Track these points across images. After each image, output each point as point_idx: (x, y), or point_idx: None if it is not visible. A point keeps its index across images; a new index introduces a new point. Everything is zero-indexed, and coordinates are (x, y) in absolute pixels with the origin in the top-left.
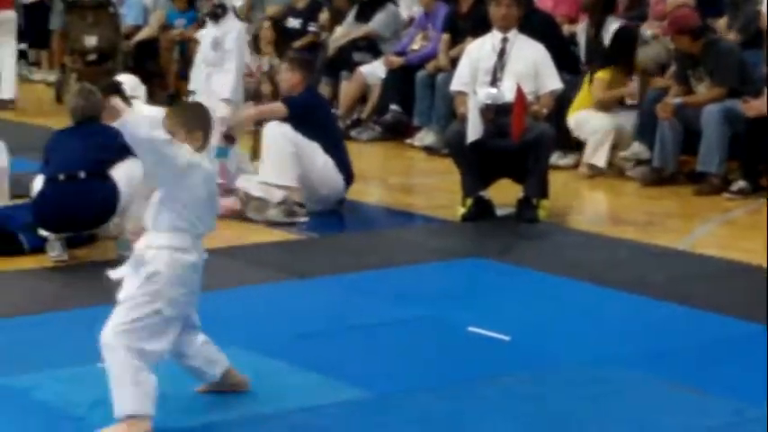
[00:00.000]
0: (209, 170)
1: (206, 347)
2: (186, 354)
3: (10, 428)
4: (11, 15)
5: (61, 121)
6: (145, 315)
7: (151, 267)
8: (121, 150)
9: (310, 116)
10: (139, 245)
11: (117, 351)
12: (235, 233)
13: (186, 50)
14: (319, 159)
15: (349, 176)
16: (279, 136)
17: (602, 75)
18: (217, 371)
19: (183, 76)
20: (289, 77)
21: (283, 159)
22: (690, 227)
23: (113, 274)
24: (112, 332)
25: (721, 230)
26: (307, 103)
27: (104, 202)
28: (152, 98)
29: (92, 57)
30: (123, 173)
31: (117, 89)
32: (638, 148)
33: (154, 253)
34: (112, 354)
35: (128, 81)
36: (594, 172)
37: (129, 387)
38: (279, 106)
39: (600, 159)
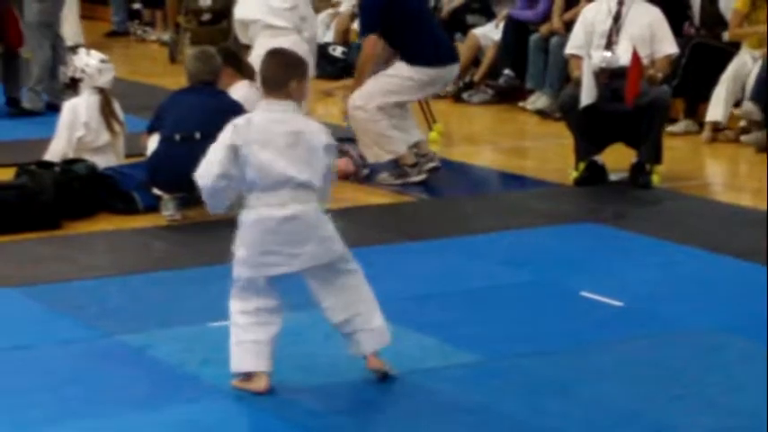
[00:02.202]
0: None
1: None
2: (330, 307)
3: (126, 385)
4: None
5: (175, 82)
6: (236, 275)
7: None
8: (235, 114)
9: (388, 16)
10: None
11: (232, 311)
12: (348, 194)
13: None
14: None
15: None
16: (363, 122)
17: (740, 5)
18: (366, 349)
19: None
20: None
21: (380, 137)
22: None
23: None
24: (231, 291)
25: None
26: (374, 6)
27: None
28: None
29: (206, 16)
30: None
31: (233, 57)
32: (750, 108)
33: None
34: (231, 312)
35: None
36: (715, 133)
37: (241, 344)
38: (365, 44)
39: (717, 113)
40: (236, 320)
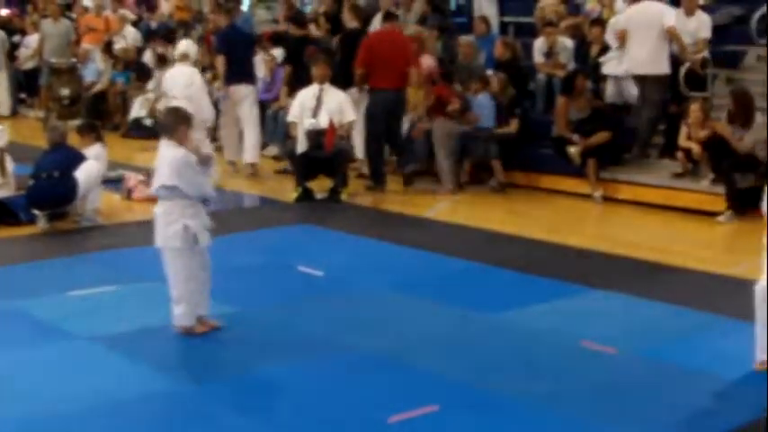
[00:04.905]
0: None
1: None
2: None
3: (14, 333)
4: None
5: (45, 143)
6: None
7: None
8: (79, 161)
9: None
10: None
11: None
12: None
13: (125, 98)
14: None
15: None
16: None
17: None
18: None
19: (123, 114)
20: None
21: None
22: (434, 203)
23: None
24: None
25: (453, 205)
26: (223, 38)
27: (69, 190)
28: (103, 127)
29: (65, 101)
30: (83, 172)
31: (93, 128)
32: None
33: None
34: None
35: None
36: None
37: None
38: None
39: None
40: None
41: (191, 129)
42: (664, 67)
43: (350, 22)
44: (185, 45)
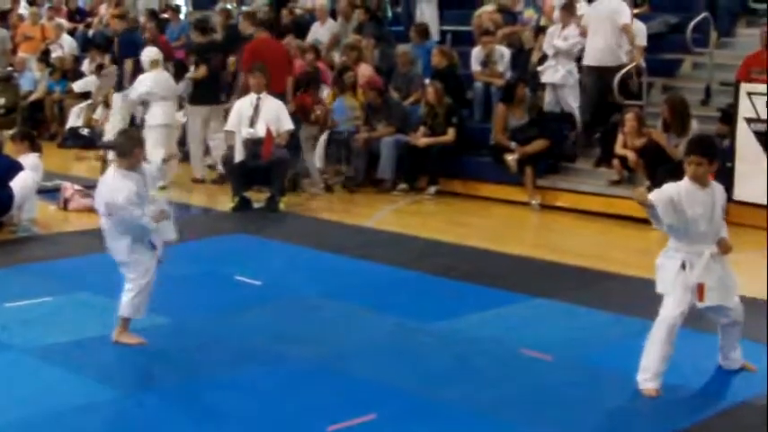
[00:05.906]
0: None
1: None
2: None
3: None
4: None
5: None
6: None
7: None
8: (16, 170)
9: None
10: None
11: None
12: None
13: (61, 107)
14: None
15: None
16: None
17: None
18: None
19: (59, 123)
20: None
21: None
22: (373, 212)
23: None
24: None
25: (391, 214)
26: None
27: (5, 200)
28: (39, 137)
29: (1, 111)
30: (19, 182)
31: (29, 136)
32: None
33: None
34: None
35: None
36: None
37: None
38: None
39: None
40: None
41: (142, 149)
42: (622, 58)
43: (247, 29)
44: (155, 51)
